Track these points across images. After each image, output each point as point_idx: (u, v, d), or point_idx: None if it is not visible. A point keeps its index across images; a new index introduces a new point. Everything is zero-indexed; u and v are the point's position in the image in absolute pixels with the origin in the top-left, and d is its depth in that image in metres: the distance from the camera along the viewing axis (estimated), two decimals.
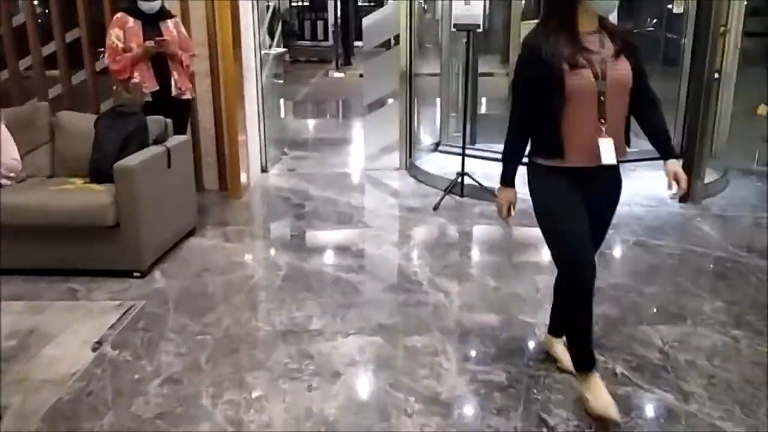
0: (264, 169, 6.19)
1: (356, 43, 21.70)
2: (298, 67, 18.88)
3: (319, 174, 6.13)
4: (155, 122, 4.24)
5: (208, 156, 5.57)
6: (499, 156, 2.58)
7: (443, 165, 6.14)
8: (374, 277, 3.80)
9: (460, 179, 5.25)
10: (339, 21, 19.08)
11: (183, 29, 4.61)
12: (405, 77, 6.02)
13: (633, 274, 3.82)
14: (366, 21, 6.04)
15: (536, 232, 2.57)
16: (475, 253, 4.31)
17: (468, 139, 5.51)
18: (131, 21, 4.38)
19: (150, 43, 4.31)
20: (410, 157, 6.23)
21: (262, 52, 6.06)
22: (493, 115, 8.02)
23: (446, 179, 5.57)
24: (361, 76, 17.02)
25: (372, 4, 27.40)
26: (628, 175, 3.48)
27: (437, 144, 6.80)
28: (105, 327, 3.16)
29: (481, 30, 5.04)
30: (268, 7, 6.34)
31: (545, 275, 3.68)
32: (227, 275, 3.82)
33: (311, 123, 9.21)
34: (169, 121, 4.28)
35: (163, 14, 4.49)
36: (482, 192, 5.24)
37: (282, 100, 9.99)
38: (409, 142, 6.21)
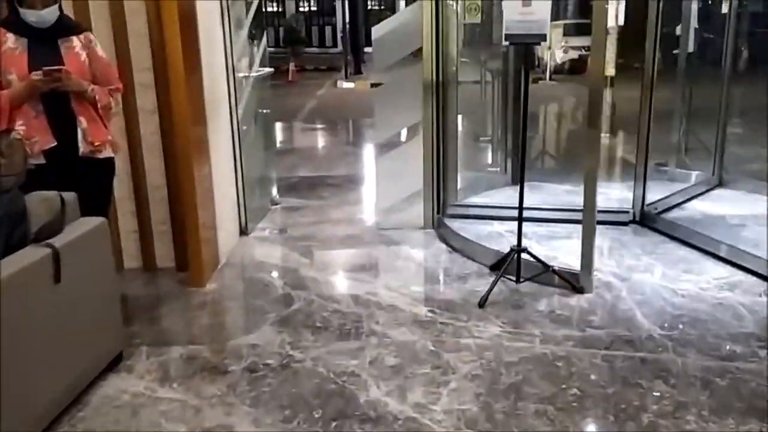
0: (244, 231, 4.57)
1: (366, 50, 20.15)
2: (305, 76, 17.32)
3: (318, 237, 4.49)
4: (44, 202, 2.62)
5: (160, 224, 3.95)
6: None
7: (485, 224, 4.50)
8: None
9: (513, 255, 3.59)
10: (348, 26, 17.44)
11: (99, 49, 2.97)
12: (431, 105, 4.37)
13: None
14: (377, 31, 4.39)
15: None
16: (565, 412, 2.64)
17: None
18: (11, 39, 2.77)
19: (38, 74, 2.70)
20: (439, 212, 4.57)
21: (239, 74, 4.44)
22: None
23: (492, 251, 3.92)
24: (372, 86, 15.52)
25: (382, 7, 25.84)
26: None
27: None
28: None
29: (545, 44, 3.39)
30: (248, 7, 4.71)
31: None
32: None
33: (313, 153, 7.55)
34: (71, 196, 2.68)
35: (64, 28, 2.86)
36: (547, 275, 3.59)
37: (278, 123, 8.47)
38: (438, 192, 4.56)
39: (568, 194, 5.29)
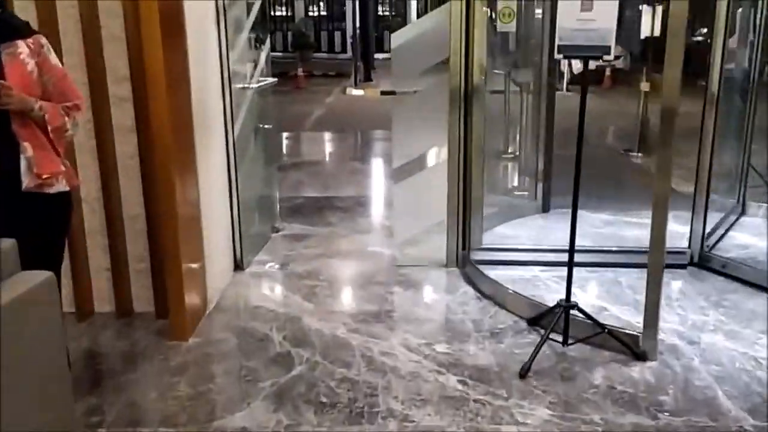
0: (239, 265, 3.94)
1: (377, 56, 19.51)
2: (313, 82, 16.73)
3: (324, 274, 3.85)
4: None
5: (138, 261, 3.32)
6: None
7: (517, 256, 3.87)
8: None
9: (560, 313, 2.95)
10: (358, 32, 16.85)
11: (53, 57, 2.31)
12: (458, 124, 3.73)
13: None
14: (397, 39, 3.75)
15: None
16: None
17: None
18: None
19: None
20: (464, 248, 3.93)
21: (236, 86, 3.82)
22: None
23: (530, 301, 3.28)
24: (383, 93, 14.89)
25: (393, 13, 25.20)
26: None
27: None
28: None
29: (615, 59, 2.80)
30: (249, 8, 4.08)
31: None
32: None
33: (320, 170, 6.87)
34: (8, 244, 2.06)
35: (7, 29, 2.23)
36: (601, 337, 2.94)
37: (283, 133, 7.88)
38: (464, 224, 3.91)
39: (607, 225, 4.65)
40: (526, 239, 4.33)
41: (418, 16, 23.99)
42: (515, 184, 5.54)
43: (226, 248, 3.83)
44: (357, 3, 16.91)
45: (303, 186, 5.88)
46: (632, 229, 4.48)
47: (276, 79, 4.36)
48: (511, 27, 3.63)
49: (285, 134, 8.54)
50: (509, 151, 5.80)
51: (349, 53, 20.77)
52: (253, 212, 4.23)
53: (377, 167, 6.92)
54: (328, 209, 5.17)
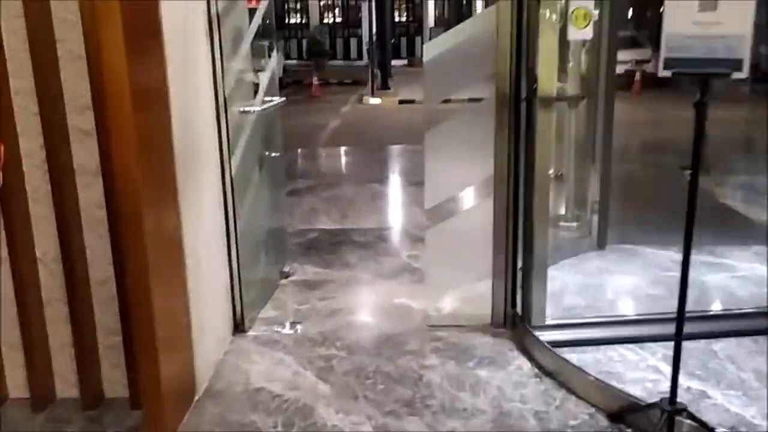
0: (239, 325, 3.21)
1: (393, 63, 18.80)
2: (328, 90, 16.07)
3: (343, 338, 3.10)
4: None
5: (108, 334, 2.61)
6: None
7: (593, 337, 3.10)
8: None
9: (662, 419, 2.18)
10: (375, 39, 16.14)
11: None
12: (508, 151, 2.98)
13: None
14: (430, 50, 3.00)
15: None
16: None
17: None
18: None
19: None
20: (514, 305, 3.17)
21: (235, 109, 3.10)
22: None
23: (611, 388, 2.52)
24: (401, 102, 14.18)
25: (411, 19, 24.49)
26: None
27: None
28: None
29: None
30: (252, 14, 3.37)
31: None
32: None
33: (336, 194, 5.99)
34: None
35: None
36: None
37: (297, 152, 7.09)
38: (514, 276, 3.16)
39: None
40: (583, 291, 3.55)
41: (436, 22, 23.33)
42: (561, 212, 4.77)
43: (223, 305, 3.11)
44: (373, 9, 16.23)
45: (317, 215, 5.15)
46: (715, 272, 3.70)
47: (285, 99, 3.63)
48: (586, 34, 2.87)
49: (298, 150, 7.83)
50: (552, 170, 5.02)
51: (365, 60, 20.12)
52: (257, 256, 3.51)
53: (399, 189, 6.17)
54: (345, 245, 4.43)
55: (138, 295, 2.30)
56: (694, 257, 2.26)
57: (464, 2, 23.37)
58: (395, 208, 5.53)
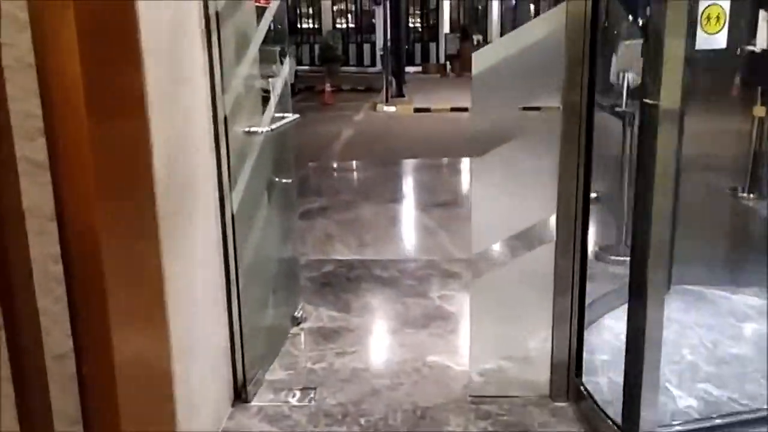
0: (240, 395, 2.62)
1: (408, 69, 18.22)
2: (341, 98, 15.51)
3: (368, 414, 2.49)
4: None
5: (68, 422, 2.03)
6: None
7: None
8: None
9: None
10: (390, 44, 15.57)
11: None
12: (576, 184, 2.38)
13: None
14: (480, 61, 2.38)
15: None
16: None
17: None
18: None
19: None
20: (579, 371, 2.56)
21: (238, 129, 2.53)
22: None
23: None
24: (416, 110, 13.61)
25: (429, 23, 23.84)
26: None
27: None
28: None
29: None
30: (260, 13, 2.79)
31: None
32: None
33: (352, 216, 5.28)
34: None
35: None
36: None
37: (308, 167, 6.33)
38: (579, 338, 2.55)
39: (762, 317, 3.24)
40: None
41: (451, 28, 22.70)
42: (609, 242, 4.17)
43: (221, 369, 2.52)
44: (387, 14, 15.66)
45: (332, 243, 4.55)
46: None
47: (298, 116, 3.04)
48: (719, 40, 2.26)
49: (310, 164, 7.25)
50: (595, 192, 4.42)
51: (379, 66, 19.56)
52: (264, 301, 2.93)
53: (422, 212, 5.52)
54: (365, 282, 3.83)
55: (100, 379, 1.73)
56: None
57: (480, 8, 22.83)
58: (419, 234, 4.91)
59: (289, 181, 3.16)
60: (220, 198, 2.42)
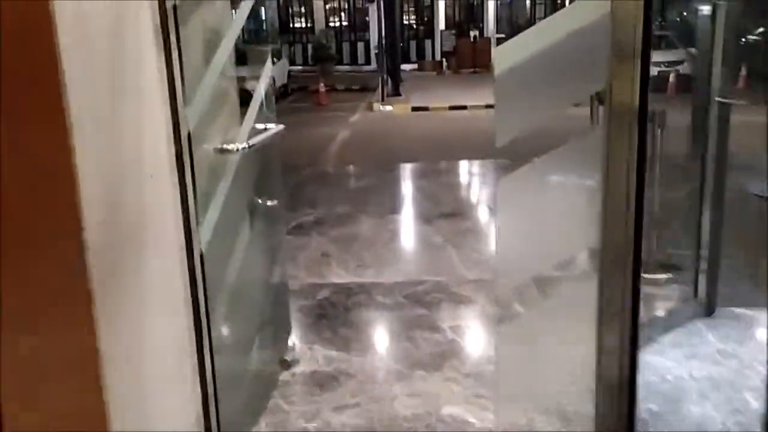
0: None
1: (403, 67, 17.72)
2: (336, 98, 15.04)
3: None
4: None
5: None
6: None
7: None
8: None
9: None
10: (385, 42, 15.07)
11: None
12: (622, 210, 1.92)
13: None
14: (503, 57, 1.92)
15: None
16: None
17: None
18: None
19: None
20: (631, 426, 2.10)
21: (210, 146, 2.06)
22: None
23: None
24: (414, 110, 13.14)
25: (425, 19, 23.31)
26: None
27: None
28: None
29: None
30: (235, 4, 2.33)
31: None
32: None
33: (350, 231, 4.72)
34: None
35: None
36: None
37: (301, 174, 5.85)
38: (629, 392, 2.09)
39: None
40: (724, 404, 2.46)
41: (447, 24, 22.20)
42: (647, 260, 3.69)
43: None
44: (381, 11, 15.16)
45: (328, 263, 4.07)
46: None
47: (283, 126, 2.57)
48: None
49: (303, 171, 6.78)
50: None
51: (374, 65, 19.07)
52: (247, 346, 2.47)
53: (426, 224, 4.97)
54: (366, 310, 3.37)
55: None
56: None
57: (476, 3, 22.33)
58: (424, 251, 4.40)
59: (275, 203, 2.69)
60: (186, 233, 1.95)
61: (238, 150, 2.17)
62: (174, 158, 1.89)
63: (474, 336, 3.01)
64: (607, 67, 1.84)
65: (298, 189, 6.04)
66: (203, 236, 1.98)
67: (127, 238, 1.61)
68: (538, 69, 1.92)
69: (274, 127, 2.53)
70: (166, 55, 1.85)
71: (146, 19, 1.77)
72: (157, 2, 1.82)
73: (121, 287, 1.57)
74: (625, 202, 1.93)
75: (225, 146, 2.16)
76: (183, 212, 1.93)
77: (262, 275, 2.68)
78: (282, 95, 15.74)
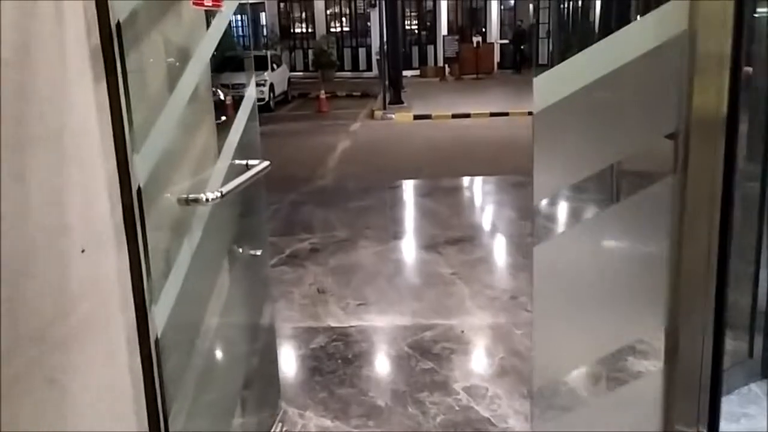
0: None
1: (405, 73, 17.27)
2: (336, 105, 14.64)
3: None
4: None
5: None
6: None
7: None
8: None
9: None
10: (386, 48, 14.65)
11: None
12: (698, 288, 1.49)
13: None
14: (544, 91, 1.49)
15: None
16: None
17: None
18: None
19: None
20: None
21: (172, 198, 1.63)
22: None
23: None
24: (416, 118, 12.70)
25: (421, 27, 22.90)
26: None
27: None
28: None
29: None
30: (209, 19, 1.90)
31: None
32: None
33: (349, 261, 4.24)
34: None
35: None
36: None
37: (291, 182, 5.49)
38: None
39: None
40: None
41: (449, 29, 21.75)
42: None
43: None
44: (383, 17, 14.74)
45: (325, 301, 3.63)
46: None
47: (268, 163, 2.12)
48: None
49: (302, 189, 6.34)
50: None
51: (375, 71, 18.65)
52: (226, 423, 2.03)
53: (434, 253, 4.38)
54: (368, 363, 2.92)
55: None
56: None
57: (479, 8, 21.89)
58: (432, 286, 3.87)
59: (258, 253, 2.25)
60: (138, 317, 1.51)
61: (208, 201, 1.73)
62: (120, 222, 1.45)
63: (492, 400, 2.57)
64: (682, 102, 1.41)
65: (294, 208, 5.60)
66: (159, 318, 1.54)
67: (40, 335, 1.18)
68: (590, 105, 1.48)
69: (257, 164, 2.09)
70: (109, 87, 1.42)
71: (78, 42, 1.33)
72: (96, 18, 1.39)
73: (35, 378, 1.13)
74: (704, 277, 1.49)
75: (192, 196, 1.72)
76: (134, 290, 1.49)
77: (243, 339, 2.24)
78: (282, 102, 15.33)
